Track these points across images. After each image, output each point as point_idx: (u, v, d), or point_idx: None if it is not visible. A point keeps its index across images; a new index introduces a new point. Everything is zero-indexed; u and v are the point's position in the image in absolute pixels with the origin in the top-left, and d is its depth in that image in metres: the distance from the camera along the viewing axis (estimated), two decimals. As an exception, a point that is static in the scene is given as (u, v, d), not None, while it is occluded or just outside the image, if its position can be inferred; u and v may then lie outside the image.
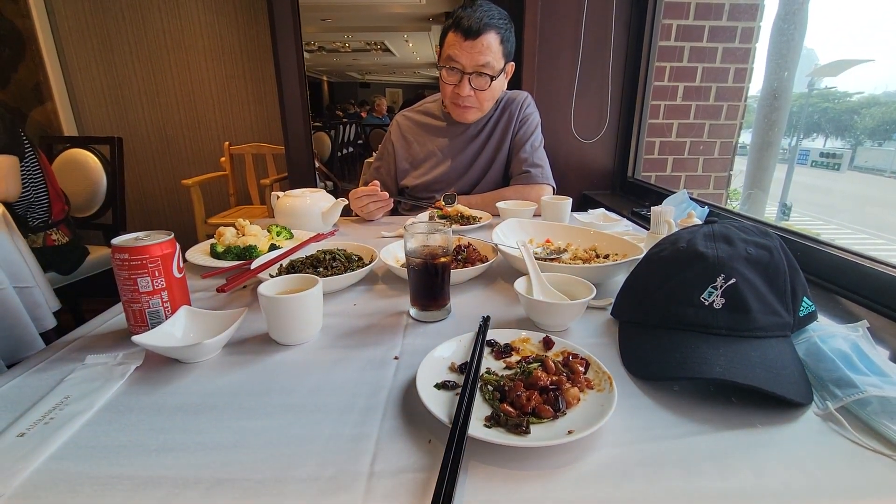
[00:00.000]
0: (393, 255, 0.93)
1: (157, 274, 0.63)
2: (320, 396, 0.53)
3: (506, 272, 0.93)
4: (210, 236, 1.03)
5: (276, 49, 2.33)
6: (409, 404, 0.51)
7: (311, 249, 0.94)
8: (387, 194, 1.30)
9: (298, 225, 1.14)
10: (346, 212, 1.29)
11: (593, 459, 0.43)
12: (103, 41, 2.87)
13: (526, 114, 1.46)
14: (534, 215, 1.32)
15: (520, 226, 1.07)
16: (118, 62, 2.91)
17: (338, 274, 0.84)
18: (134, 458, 0.44)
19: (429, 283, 0.71)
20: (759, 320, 0.57)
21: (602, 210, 1.40)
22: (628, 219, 1.49)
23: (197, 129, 3.07)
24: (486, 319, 0.67)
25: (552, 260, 0.91)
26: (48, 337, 1.45)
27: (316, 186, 2.19)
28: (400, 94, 14.94)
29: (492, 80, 1.30)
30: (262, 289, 0.63)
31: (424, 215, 1.32)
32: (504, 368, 0.58)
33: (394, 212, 1.48)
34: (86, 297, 2.02)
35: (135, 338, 0.58)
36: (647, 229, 1.07)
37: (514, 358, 0.60)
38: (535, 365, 0.55)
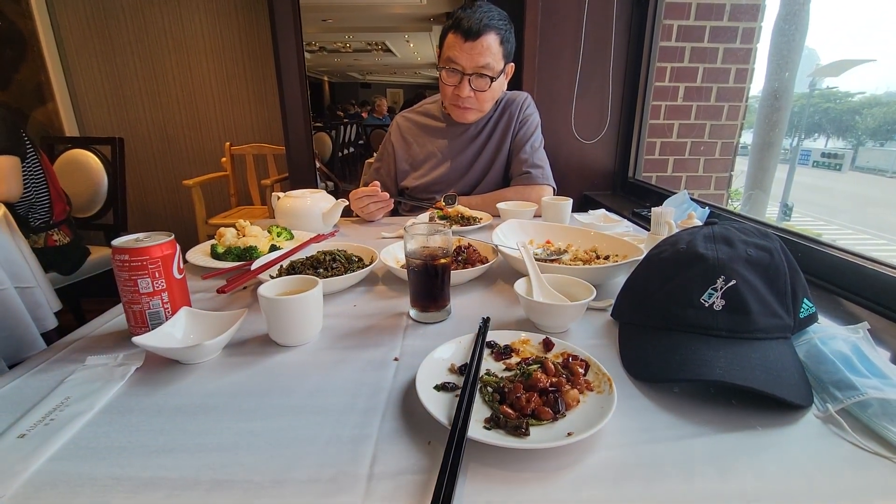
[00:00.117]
0: (393, 256, 0.93)
1: (157, 275, 0.63)
2: (320, 398, 0.53)
3: (506, 273, 0.93)
4: (211, 237, 1.03)
5: (277, 49, 2.33)
6: (409, 406, 0.51)
7: (311, 250, 0.94)
8: (387, 195, 1.30)
9: (299, 226, 1.14)
10: (347, 212, 1.29)
11: (593, 461, 0.43)
12: (105, 42, 2.88)
13: (526, 114, 1.46)
14: (534, 216, 1.32)
15: (520, 227, 1.07)
16: (119, 63, 2.92)
17: (338, 275, 0.84)
18: (134, 459, 0.44)
19: (429, 284, 0.71)
20: (760, 322, 0.57)
21: (602, 211, 1.40)
22: (629, 219, 1.49)
23: (198, 130, 3.07)
24: (485, 321, 0.67)
25: (552, 261, 0.91)
26: (49, 337, 1.45)
27: (317, 187, 2.19)
28: (401, 94, 14.95)
29: (492, 81, 1.30)
30: (262, 290, 0.64)
31: (425, 216, 1.32)
32: (504, 370, 0.58)
33: (394, 212, 1.49)
34: (87, 297, 2.02)
35: (135, 339, 0.58)
36: (648, 230, 1.07)
37: (514, 359, 0.60)
38: (534, 366, 0.55)
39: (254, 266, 0.84)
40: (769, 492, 0.40)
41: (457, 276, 0.83)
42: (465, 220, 1.26)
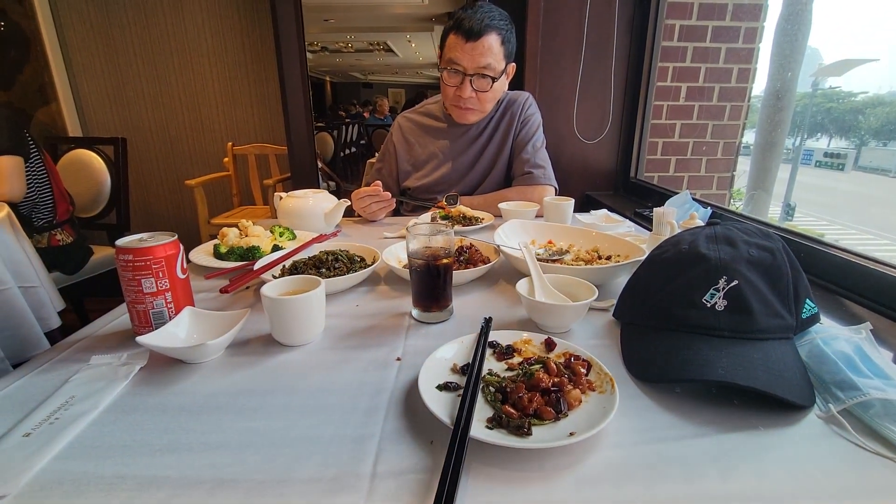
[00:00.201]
0: (395, 256, 0.93)
1: (160, 275, 0.64)
2: (323, 397, 0.53)
3: (508, 273, 0.93)
4: (213, 236, 1.03)
5: (280, 50, 2.34)
6: (411, 405, 0.51)
7: (313, 250, 0.94)
8: (389, 194, 1.30)
9: (301, 226, 1.15)
10: (349, 212, 1.29)
11: (595, 461, 0.43)
12: (108, 43, 2.89)
13: (527, 114, 1.46)
14: (536, 216, 1.32)
15: (522, 227, 1.07)
16: (122, 63, 2.93)
17: (340, 275, 0.84)
18: (138, 458, 0.44)
19: (431, 284, 0.72)
20: (762, 322, 0.57)
21: (604, 211, 1.40)
22: (630, 220, 1.49)
23: (200, 130, 3.08)
24: (487, 321, 0.67)
25: (554, 261, 0.92)
26: (53, 336, 1.45)
27: (319, 187, 2.20)
28: (402, 94, 14.95)
29: (493, 82, 1.30)
30: (265, 290, 0.64)
31: (427, 216, 1.32)
32: (506, 370, 0.58)
33: (396, 212, 1.49)
34: (90, 296, 2.03)
35: (139, 338, 0.58)
36: (650, 230, 1.07)
37: (516, 359, 0.60)
38: (536, 366, 0.55)
39: (256, 266, 0.84)
40: (771, 492, 0.40)
41: (459, 276, 0.83)
42: (467, 221, 1.26)
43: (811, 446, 0.46)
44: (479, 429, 0.46)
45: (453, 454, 0.41)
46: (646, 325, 0.64)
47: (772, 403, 0.50)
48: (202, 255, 0.98)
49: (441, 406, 0.48)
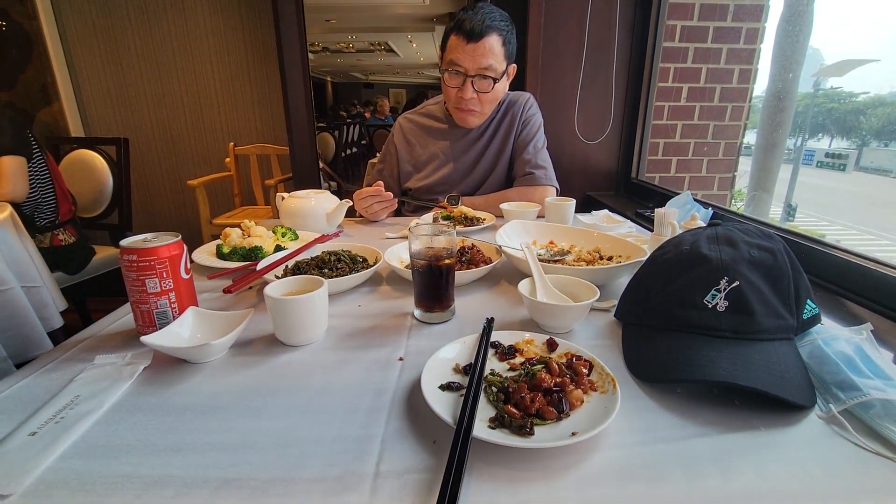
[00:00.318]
0: (397, 256, 0.93)
1: (164, 275, 0.64)
2: (326, 397, 0.54)
3: (509, 274, 0.93)
4: (215, 236, 1.04)
5: (281, 50, 2.34)
6: (414, 405, 0.52)
7: (316, 250, 0.95)
8: (391, 195, 1.31)
9: (303, 226, 1.15)
10: (351, 213, 1.30)
11: (597, 461, 0.44)
12: (110, 43, 2.89)
13: (528, 115, 1.47)
14: (537, 217, 1.32)
15: (523, 227, 1.07)
16: (124, 64, 2.93)
17: (342, 275, 0.84)
18: (143, 458, 0.44)
19: (433, 284, 0.72)
20: (763, 323, 0.57)
21: (605, 211, 1.40)
22: (632, 220, 1.49)
23: (202, 130, 3.09)
24: (489, 321, 0.67)
25: (556, 261, 0.92)
26: (55, 336, 1.46)
27: (320, 187, 2.20)
28: (403, 94, 14.96)
29: (494, 83, 1.31)
30: (268, 290, 0.64)
31: (428, 216, 1.32)
32: (508, 370, 0.58)
33: (397, 213, 1.49)
34: (92, 296, 2.04)
35: (143, 338, 0.58)
36: (651, 231, 1.07)
37: (518, 359, 0.60)
38: (538, 366, 0.55)
39: (259, 266, 0.84)
40: (772, 492, 0.40)
41: (461, 276, 0.83)
42: (468, 221, 1.27)
43: (812, 446, 0.46)
44: (481, 429, 0.46)
45: (456, 454, 0.41)
46: (647, 326, 0.64)
47: (773, 404, 0.50)
48: (205, 255, 0.99)
49: (443, 406, 0.48)
